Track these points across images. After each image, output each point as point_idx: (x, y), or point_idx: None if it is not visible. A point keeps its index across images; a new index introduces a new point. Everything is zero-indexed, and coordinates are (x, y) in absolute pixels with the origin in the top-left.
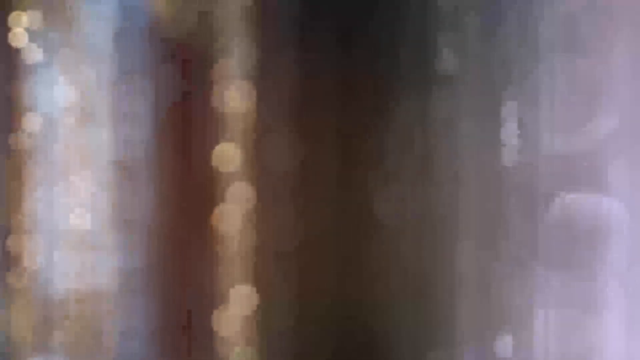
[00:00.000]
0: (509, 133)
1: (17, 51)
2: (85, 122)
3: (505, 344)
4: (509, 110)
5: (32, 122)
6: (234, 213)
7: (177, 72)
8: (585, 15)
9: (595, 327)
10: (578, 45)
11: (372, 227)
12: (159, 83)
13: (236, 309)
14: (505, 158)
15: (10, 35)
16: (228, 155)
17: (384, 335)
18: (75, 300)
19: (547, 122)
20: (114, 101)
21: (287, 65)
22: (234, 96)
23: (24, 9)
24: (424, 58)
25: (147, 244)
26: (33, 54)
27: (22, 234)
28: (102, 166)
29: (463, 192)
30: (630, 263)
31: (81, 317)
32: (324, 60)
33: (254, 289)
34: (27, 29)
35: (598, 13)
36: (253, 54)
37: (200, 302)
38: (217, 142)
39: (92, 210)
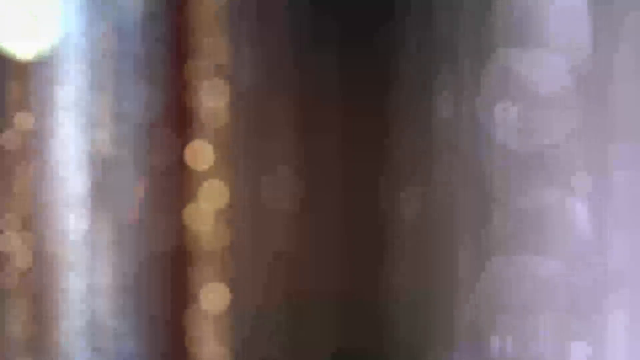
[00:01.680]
0: (503, 131)
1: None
2: (66, 120)
3: (503, 343)
4: (503, 109)
5: (24, 121)
6: (207, 211)
7: (153, 71)
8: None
9: (592, 327)
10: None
11: (350, 224)
12: (139, 82)
13: (208, 308)
14: (496, 155)
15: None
16: (201, 153)
17: (363, 333)
18: (66, 300)
19: (538, 120)
20: (99, 101)
21: (266, 64)
22: (208, 94)
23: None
24: (426, 57)
25: (123, 243)
26: (24, 52)
27: (13, 233)
28: (83, 165)
29: (462, 191)
30: (628, 261)
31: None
32: (322, 55)
33: (226, 288)
34: (18, 27)
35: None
36: (227, 51)
37: (171, 301)
38: (190, 140)
39: (79, 209)
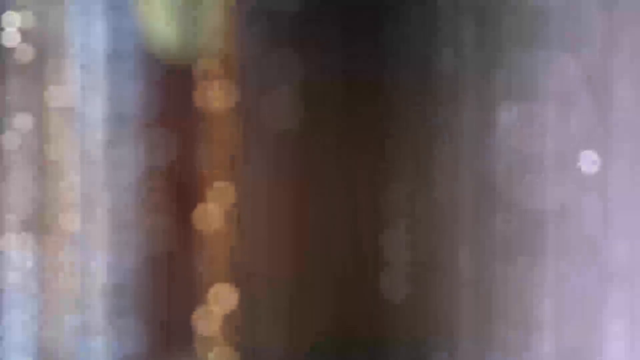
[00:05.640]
0: (504, 132)
1: (10, 51)
2: (74, 122)
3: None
4: (505, 110)
5: (23, 122)
6: (215, 212)
7: (162, 73)
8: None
9: (594, 325)
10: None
11: (357, 226)
12: (146, 84)
13: (216, 308)
14: (499, 157)
15: (2, 35)
16: (210, 155)
17: (367, 335)
18: (65, 299)
19: (541, 121)
20: (103, 102)
21: (277, 65)
22: (218, 95)
23: (17, 9)
24: (426, 58)
25: (130, 244)
26: (25, 54)
27: (14, 234)
28: (88, 165)
29: (462, 191)
30: (629, 261)
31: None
32: (316, 59)
33: (234, 288)
34: (19, 29)
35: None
36: (237, 53)
37: (180, 301)
38: (199, 143)
39: (81, 210)
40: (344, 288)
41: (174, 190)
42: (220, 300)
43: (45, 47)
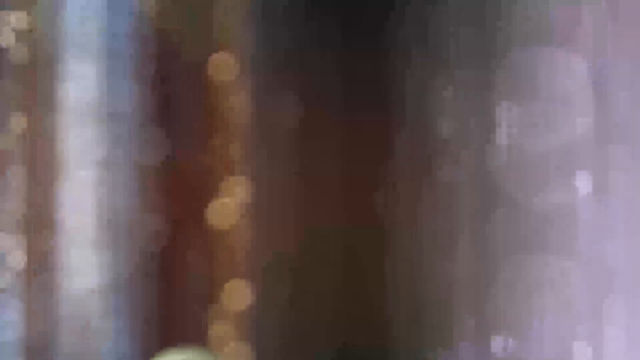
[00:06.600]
0: (500, 133)
1: (4, 51)
2: (75, 120)
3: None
4: (501, 110)
5: (19, 122)
6: (229, 208)
7: (170, 68)
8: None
9: (592, 326)
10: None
11: (372, 226)
12: (152, 80)
13: (230, 305)
14: (496, 157)
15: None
16: (223, 150)
17: (379, 330)
18: (66, 299)
19: (536, 120)
20: (104, 99)
21: (287, 61)
22: (229, 90)
23: (11, 9)
24: (426, 57)
25: (143, 241)
26: (20, 54)
27: (10, 233)
28: (93, 165)
29: (465, 191)
30: (629, 261)
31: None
32: (326, 56)
33: (249, 285)
34: (14, 29)
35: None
36: (249, 48)
37: (194, 297)
38: (211, 138)
39: (85, 208)
40: (354, 286)
41: (182, 187)
42: (233, 298)
43: (43, 46)
